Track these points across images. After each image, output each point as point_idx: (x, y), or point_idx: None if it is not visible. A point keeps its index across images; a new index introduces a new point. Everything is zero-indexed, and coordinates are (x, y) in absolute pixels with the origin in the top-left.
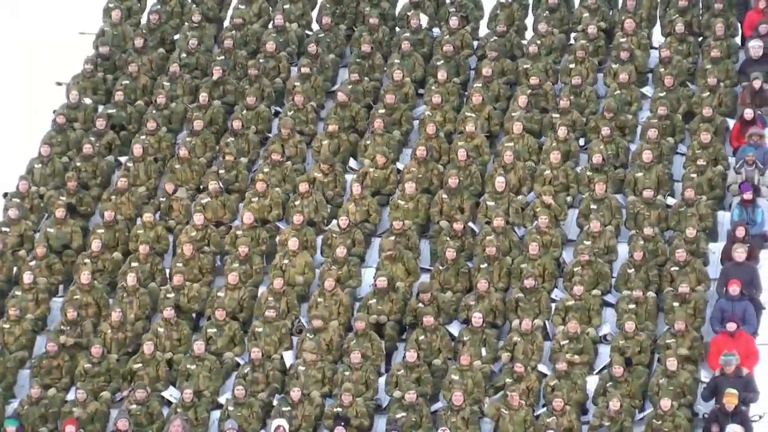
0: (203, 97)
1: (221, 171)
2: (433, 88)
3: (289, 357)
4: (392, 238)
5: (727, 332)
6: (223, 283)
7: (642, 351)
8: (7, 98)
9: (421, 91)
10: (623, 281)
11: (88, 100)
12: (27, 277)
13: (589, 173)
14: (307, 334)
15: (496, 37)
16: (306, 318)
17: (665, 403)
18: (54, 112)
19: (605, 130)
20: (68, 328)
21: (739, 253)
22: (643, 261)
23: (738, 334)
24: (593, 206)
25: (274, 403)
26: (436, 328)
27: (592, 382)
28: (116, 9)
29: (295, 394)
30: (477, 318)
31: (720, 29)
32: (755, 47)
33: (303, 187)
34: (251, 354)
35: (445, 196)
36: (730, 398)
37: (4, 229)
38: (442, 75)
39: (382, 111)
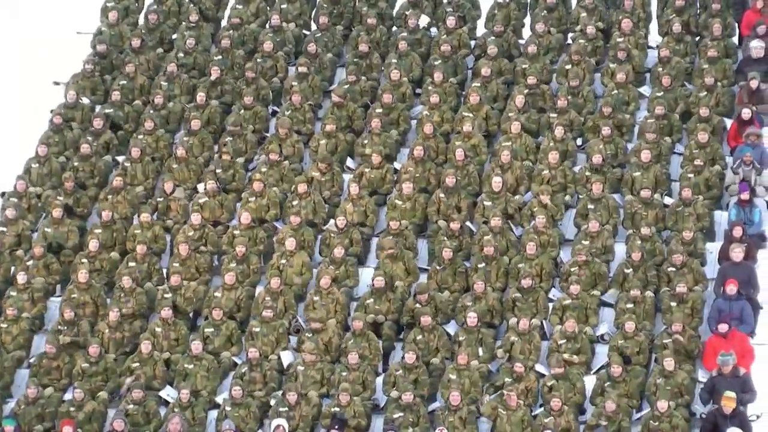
0: (201, 96)
1: (218, 170)
2: (430, 88)
3: (286, 357)
4: (390, 237)
5: (720, 334)
6: (220, 282)
7: (640, 351)
8: (6, 98)
9: (418, 90)
10: (618, 281)
11: (85, 100)
12: (21, 278)
13: (588, 173)
14: (306, 334)
15: (493, 37)
16: (303, 318)
17: (662, 405)
18: (51, 111)
19: (606, 130)
20: (65, 328)
21: (737, 253)
22: (641, 261)
23: (731, 334)
24: (590, 206)
25: (272, 403)
26: (433, 328)
27: (589, 382)
28: (113, 10)
29: (291, 397)
30: (472, 318)
31: (717, 29)
32: (757, 48)
33: (302, 187)
34: (248, 354)
35: (442, 195)
36: (728, 402)
37: (1, 228)
38: (438, 76)
39: (379, 110)
